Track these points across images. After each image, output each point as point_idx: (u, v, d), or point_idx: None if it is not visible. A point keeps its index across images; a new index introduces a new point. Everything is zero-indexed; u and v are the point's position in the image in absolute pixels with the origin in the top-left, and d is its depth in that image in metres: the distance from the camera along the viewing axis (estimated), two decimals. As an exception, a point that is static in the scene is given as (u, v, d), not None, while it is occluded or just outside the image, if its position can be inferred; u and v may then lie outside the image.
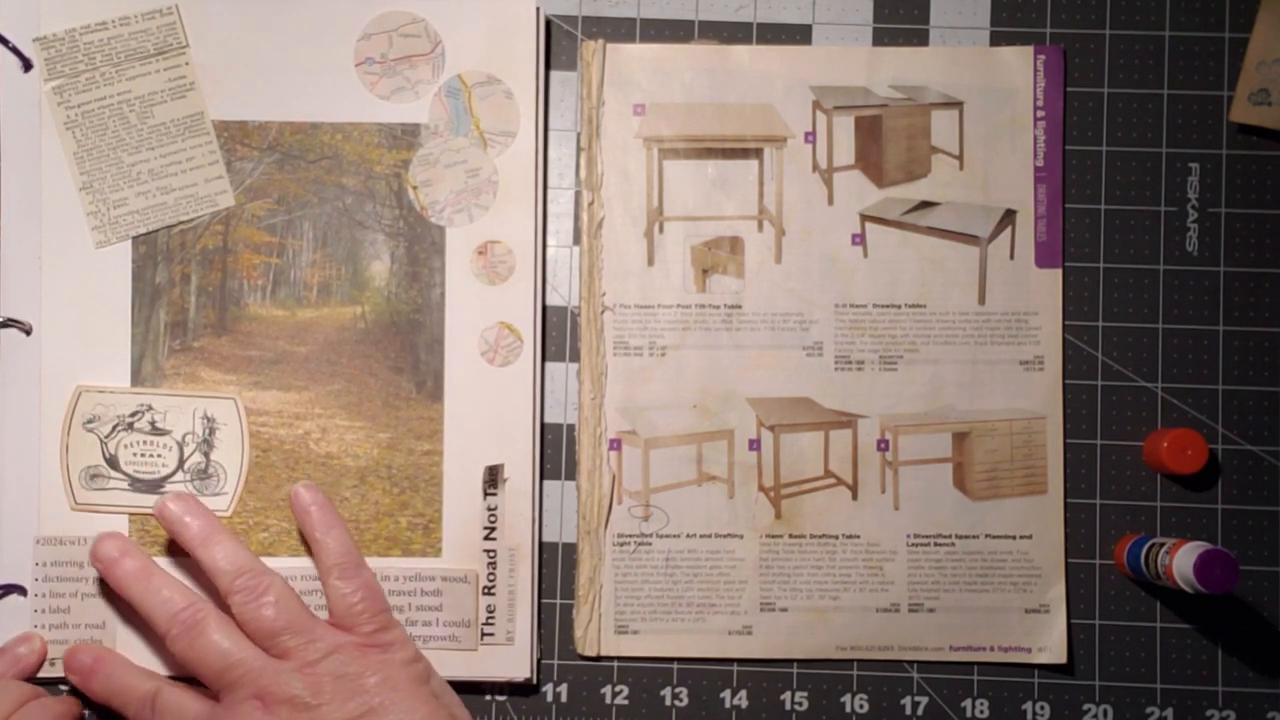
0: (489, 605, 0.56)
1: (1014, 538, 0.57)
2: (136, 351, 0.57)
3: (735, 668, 0.57)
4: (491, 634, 0.56)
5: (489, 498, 0.56)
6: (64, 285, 0.57)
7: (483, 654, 0.56)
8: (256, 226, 0.58)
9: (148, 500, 0.56)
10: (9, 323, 0.56)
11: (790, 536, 0.57)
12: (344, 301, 0.58)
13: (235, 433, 0.57)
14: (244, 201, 0.58)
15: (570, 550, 0.58)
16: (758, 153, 0.58)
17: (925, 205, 0.58)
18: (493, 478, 0.55)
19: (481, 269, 0.57)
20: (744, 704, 0.57)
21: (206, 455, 0.57)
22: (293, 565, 0.56)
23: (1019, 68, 0.58)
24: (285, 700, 0.48)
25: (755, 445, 0.58)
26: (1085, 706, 0.57)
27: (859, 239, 0.58)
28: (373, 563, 0.56)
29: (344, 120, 0.58)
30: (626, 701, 0.57)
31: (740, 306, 0.58)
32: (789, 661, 0.57)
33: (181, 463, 0.57)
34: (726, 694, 0.57)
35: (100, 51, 0.57)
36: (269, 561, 0.56)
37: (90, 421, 0.56)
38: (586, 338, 0.58)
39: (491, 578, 0.56)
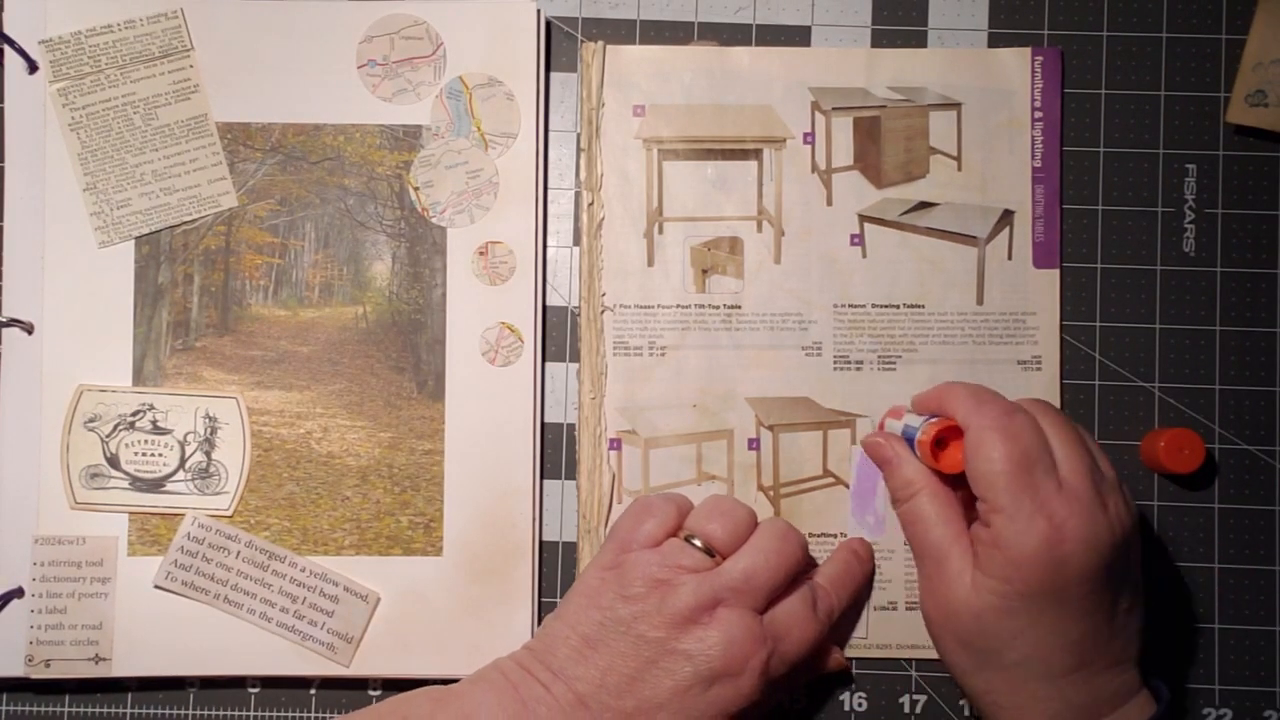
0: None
1: (1012, 537, 0.57)
2: (138, 351, 0.57)
3: (734, 667, 0.57)
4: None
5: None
6: (66, 285, 0.57)
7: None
8: (259, 227, 0.58)
9: (148, 500, 0.56)
10: (11, 322, 0.56)
11: (789, 536, 0.57)
12: (346, 302, 0.58)
13: (237, 432, 0.57)
14: (247, 202, 0.58)
15: (570, 550, 0.58)
16: (757, 154, 0.59)
17: (923, 206, 0.58)
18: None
19: (482, 269, 0.58)
20: (743, 703, 0.57)
21: (208, 455, 0.57)
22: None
23: (1017, 69, 0.58)
24: None
25: (754, 445, 0.58)
26: (1084, 705, 0.57)
27: (858, 239, 0.58)
28: (366, 563, 0.56)
29: (346, 122, 0.58)
30: (626, 700, 0.57)
31: (740, 307, 0.58)
32: (788, 660, 0.57)
33: (183, 462, 0.57)
34: (726, 693, 0.57)
35: (105, 54, 0.57)
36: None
37: (91, 421, 0.57)
38: (586, 338, 0.58)
39: None
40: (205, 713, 0.57)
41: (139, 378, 0.57)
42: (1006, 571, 0.47)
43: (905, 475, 0.53)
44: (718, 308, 0.58)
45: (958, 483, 0.51)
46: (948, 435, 0.52)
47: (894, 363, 0.58)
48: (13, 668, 0.56)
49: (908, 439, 0.53)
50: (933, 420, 0.52)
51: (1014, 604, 0.47)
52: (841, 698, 0.57)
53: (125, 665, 0.56)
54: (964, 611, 0.49)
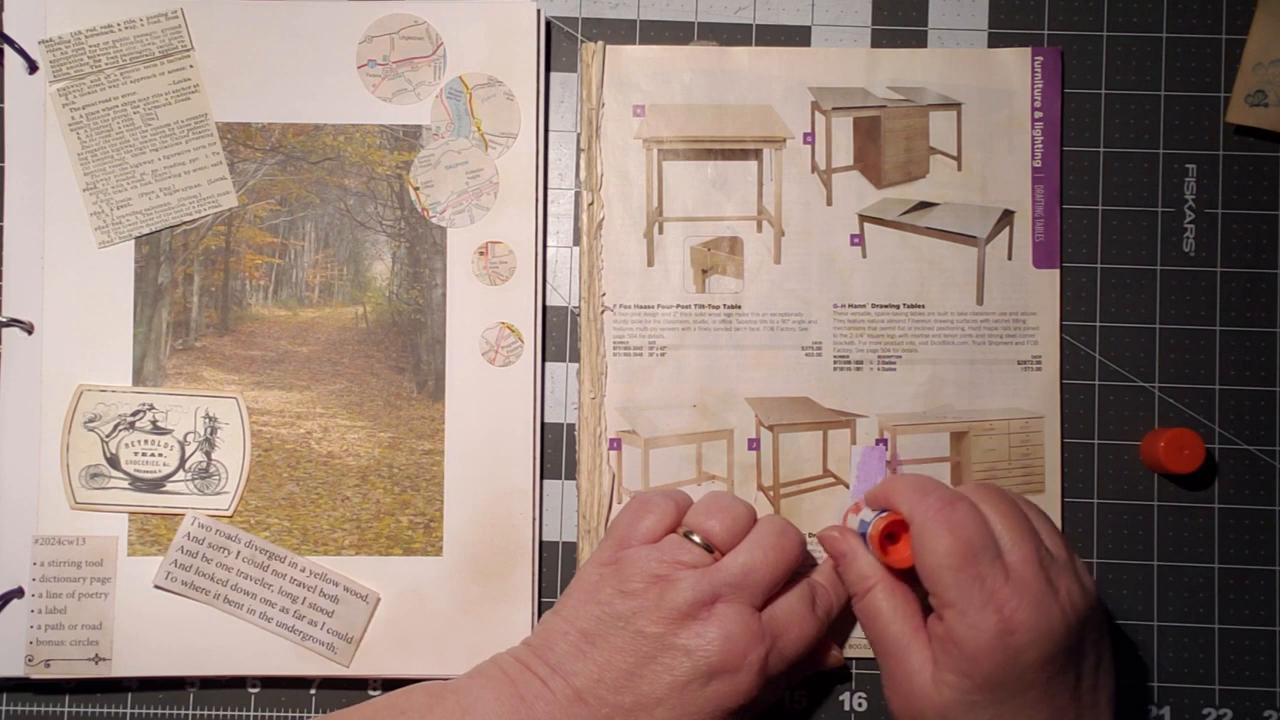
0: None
1: (1012, 537, 0.57)
2: (138, 351, 0.57)
3: (734, 667, 0.57)
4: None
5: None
6: (66, 285, 0.57)
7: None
8: (259, 227, 0.58)
9: (148, 500, 0.56)
10: (11, 322, 0.57)
11: (789, 536, 0.57)
12: (346, 302, 0.58)
13: (237, 432, 0.57)
14: (247, 202, 0.58)
15: (570, 550, 0.58)
16: (757, 154, 0.59)
17: (923, 206, 0.58)
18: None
19: (482, 269, 0.58)
20: (743, 703, 0.57)
21: (208, 455, 0.57)
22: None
23: (1017, 69, 0.59)
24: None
25: (754, 445, 0.58)
26: (1084, 705, 0.57)
27: (858, 239, 0.58)
28: (366, 563, 0.56)
29: (346, 122, 0.58)
30: (626, 700, 0.57)
31: (739, 307, 0.58)
32: (788, 661, 0.57)
33: (183, 462, 0.57)
34: (726, 693, 0.57)
35: (105, 54, 0.57)
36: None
37: (91, 421, 0.57)
38: (586, 338, 0.58)
39: None
40: (205, 713, 0.57)
41: (139, 378, 0.57)
42: (963, 666, 0.47)
43: (860, 570, 0.52)
44: (718, 308, 0.58)
45: (915, 576, 0.50)
46: (897, 529, 0.51)
47: (894, 363, 0.58)
48: (13, 668, 0.56)
49: (862, 534, 0.53)
50: (882, 515, 0.51)
51: (975, 697, 0.47)
52: (841, 697, 0.57)
53: (125, 665, 0.56)
54: (928, 708, 0.48)
